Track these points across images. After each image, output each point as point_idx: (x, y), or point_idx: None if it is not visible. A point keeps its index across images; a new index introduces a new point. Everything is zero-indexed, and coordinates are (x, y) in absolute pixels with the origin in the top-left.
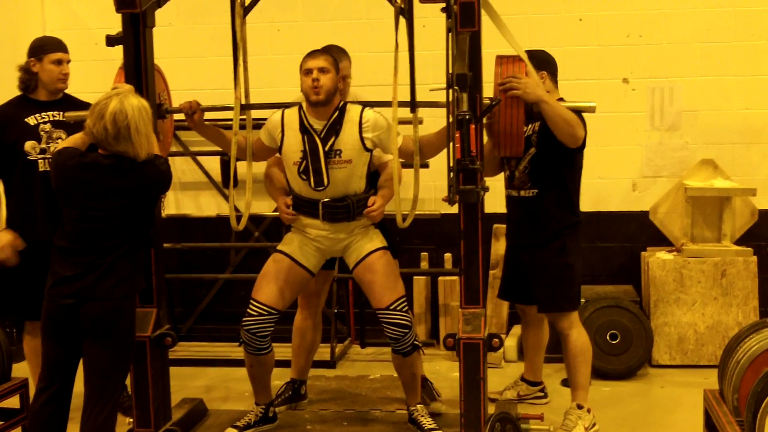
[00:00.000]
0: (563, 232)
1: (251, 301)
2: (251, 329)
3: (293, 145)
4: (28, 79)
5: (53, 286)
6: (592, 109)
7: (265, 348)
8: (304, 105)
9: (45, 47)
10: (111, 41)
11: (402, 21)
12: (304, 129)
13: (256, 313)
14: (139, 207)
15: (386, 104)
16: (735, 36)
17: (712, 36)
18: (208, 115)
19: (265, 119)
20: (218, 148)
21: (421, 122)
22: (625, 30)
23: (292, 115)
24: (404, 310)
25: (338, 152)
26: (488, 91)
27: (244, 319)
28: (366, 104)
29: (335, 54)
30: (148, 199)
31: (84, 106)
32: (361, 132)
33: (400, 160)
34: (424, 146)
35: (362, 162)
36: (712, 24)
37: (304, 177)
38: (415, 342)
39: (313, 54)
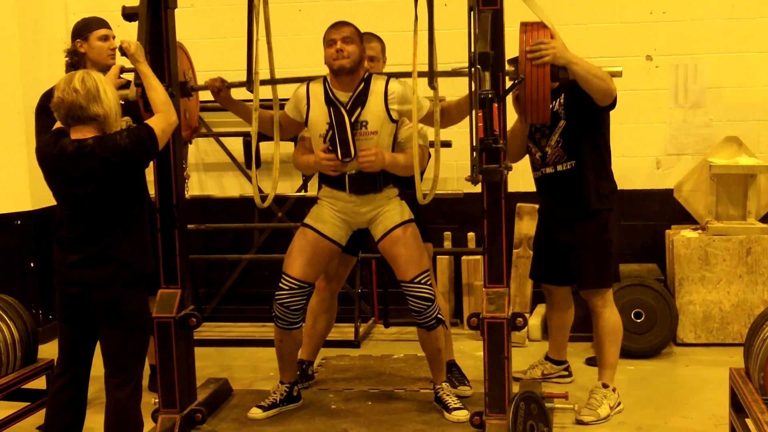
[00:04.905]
0: (605, 206)
1: (283, 275)
2: (284, 303)
3: (319, 116)
4: (77, 61)
5: (57, 275)
6: (618, 74)
7: (296, 323)
8: (328, 77)
9: (89, 26)
10: (128, 14)
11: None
12: (330, 101)
13: (287, 287)
14: (118, 186)
15: (410, 75)
16: (759, 12)
17: (736, 12)
18: (237, 95)
19: (288, 99)
20: (241, 129)
21: (442, 100)
22: (648, 7)
23: (317, 87)
24: (428, 283)
25: (364, 123)
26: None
27: (277, 293)
28: (391, 75)
29: (366, 37)
30: (122, 176)
31: (127, 84)
32: (386, 103)
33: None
34: (451, 109)
35: (388, 133)
36: (735, 0)
37: (330, 147)
38: (439, 316)
39: (336, 25)
